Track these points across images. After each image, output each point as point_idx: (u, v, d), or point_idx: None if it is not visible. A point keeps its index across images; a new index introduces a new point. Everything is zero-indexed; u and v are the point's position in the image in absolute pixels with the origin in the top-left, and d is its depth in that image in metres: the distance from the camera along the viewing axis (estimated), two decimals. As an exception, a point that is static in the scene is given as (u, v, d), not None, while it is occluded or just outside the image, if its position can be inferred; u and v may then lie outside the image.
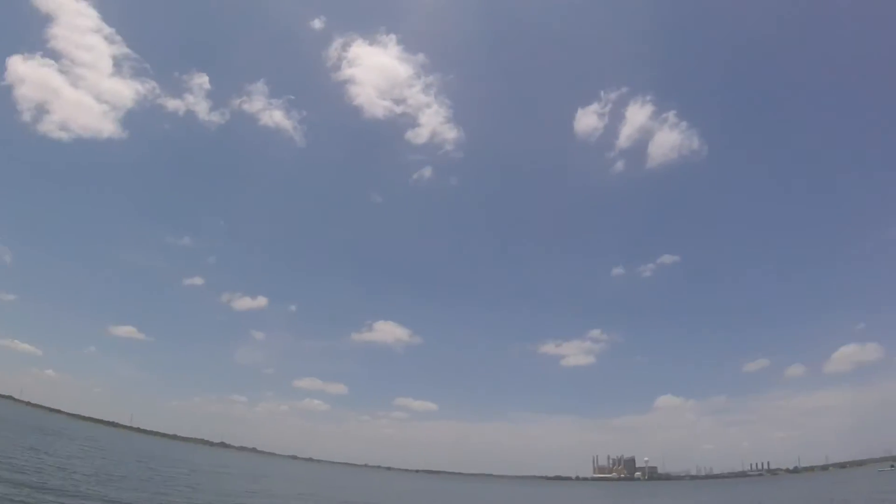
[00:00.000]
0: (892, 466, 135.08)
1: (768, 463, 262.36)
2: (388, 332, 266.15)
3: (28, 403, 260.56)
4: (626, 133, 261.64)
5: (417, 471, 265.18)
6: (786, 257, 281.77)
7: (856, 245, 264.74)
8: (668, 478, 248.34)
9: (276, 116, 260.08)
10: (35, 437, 48.50)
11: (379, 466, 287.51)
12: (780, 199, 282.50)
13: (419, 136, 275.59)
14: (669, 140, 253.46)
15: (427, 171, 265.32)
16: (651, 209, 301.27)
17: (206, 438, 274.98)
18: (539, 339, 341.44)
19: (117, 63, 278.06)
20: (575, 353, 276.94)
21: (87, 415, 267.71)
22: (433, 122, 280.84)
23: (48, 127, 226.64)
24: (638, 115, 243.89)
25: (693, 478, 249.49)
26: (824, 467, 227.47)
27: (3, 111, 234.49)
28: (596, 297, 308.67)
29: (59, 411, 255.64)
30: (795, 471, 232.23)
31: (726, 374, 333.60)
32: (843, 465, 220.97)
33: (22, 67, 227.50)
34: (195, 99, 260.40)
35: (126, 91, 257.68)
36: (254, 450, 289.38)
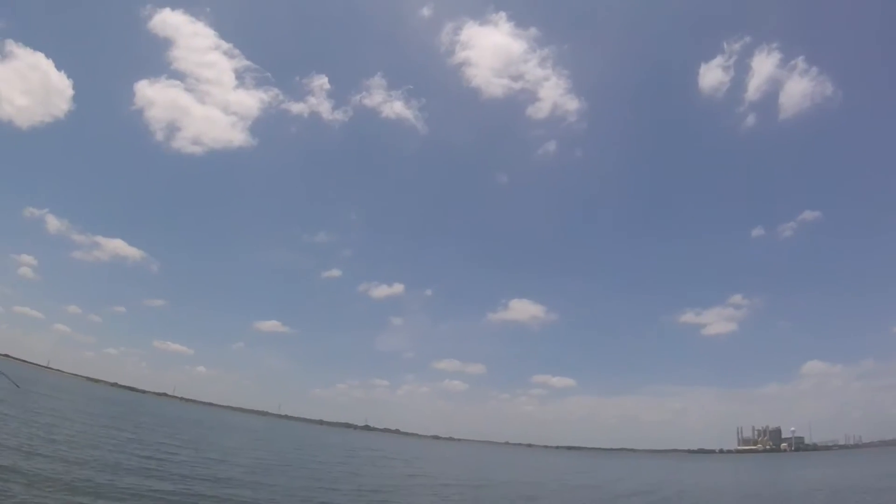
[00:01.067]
0: None
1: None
2: (522, 309, 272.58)
3: (182, 399, 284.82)
4: (755, 85, 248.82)
5: (557, 447, 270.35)
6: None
7: None
8: (815, 448, 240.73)
9: (396, 107, 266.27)
10: (196, 430, 52.73)
11: (519, 444, 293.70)
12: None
13: (540, 110, 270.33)
14: (801, 88, 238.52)
15: (551, 146, 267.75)
16: (787, 164, 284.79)
17: (350, 422, 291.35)
18: (678, 308, 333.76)
19: (239, 76, 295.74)
20: (715, 321, 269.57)
21: (237, 406, 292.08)
22: (553, 94, 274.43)
23: (181, 143, 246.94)
24: (765, 64, 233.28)
25: (842, 447, 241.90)
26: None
27: (136, 133, 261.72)
28: (735, 261, 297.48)
29: (211, 404, 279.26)
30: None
31: (874, 336, 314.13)
32: None
33: (149, 91, 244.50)
34: (317, 100, 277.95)
35: (251, 101, 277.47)
36: (397, 431, 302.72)
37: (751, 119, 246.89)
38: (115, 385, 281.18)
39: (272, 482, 22.66)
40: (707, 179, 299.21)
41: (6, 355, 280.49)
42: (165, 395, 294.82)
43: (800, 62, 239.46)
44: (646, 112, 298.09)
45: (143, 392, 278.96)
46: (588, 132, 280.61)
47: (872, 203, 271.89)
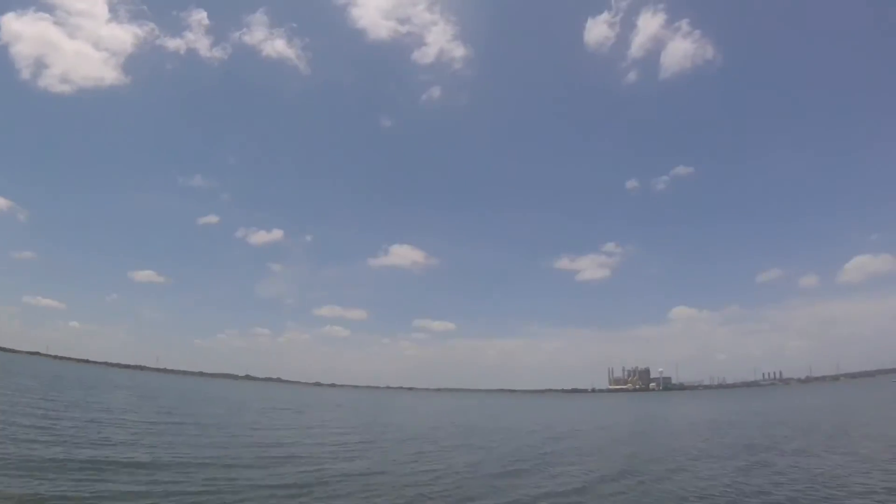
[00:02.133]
0: None
1: (780, 372, 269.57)
2: (403, 255, 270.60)
3: (56, 357, 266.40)
4: (638, 42, 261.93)
5: (438, 389, 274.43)
6: (797, 168, 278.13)
7: (867, 154, 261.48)
8: (681, 388, 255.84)
9: (278, 46, 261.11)
10: (76, 391, 46.93)
11: (401, 387, 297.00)
12: (795, 110, 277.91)
13: (426, 55, 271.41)
14: (683, 49, 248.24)
15: (436, 91, 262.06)
16: (664, 120, 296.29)
17: (231, 373, 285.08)
18: (554, 254, 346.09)
19: (113, 8, 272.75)
20: (590, 267, 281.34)
21: (115, 361, 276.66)
22: (440, 40, 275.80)
23: (49, 81, 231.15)
24: (650, 23, 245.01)
25: (707, 387, 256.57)
26: (835, 377, 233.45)
27: (1, 71, 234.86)
28: (610, 211, 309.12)
29: (87, 361, 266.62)
30: (807, 380, 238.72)
31: (740, 285, 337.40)
32: (853, 376, 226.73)
33: (16, 25, 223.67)
34: (195, 36, 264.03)
35: (125, 35, 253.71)
36: (279, 380, 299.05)
37: (632, 76, 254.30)
38: None
39: (166, 440, 21.22)
40: (587, 131, 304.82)
41: None
42: (38, 353, 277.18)
43: (684, 24, 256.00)
44: (531, 62, 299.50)
45: (15, 352, 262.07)
46: (474, 79, 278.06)
47: (741, 161, 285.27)
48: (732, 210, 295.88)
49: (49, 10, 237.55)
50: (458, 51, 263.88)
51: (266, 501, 13.15)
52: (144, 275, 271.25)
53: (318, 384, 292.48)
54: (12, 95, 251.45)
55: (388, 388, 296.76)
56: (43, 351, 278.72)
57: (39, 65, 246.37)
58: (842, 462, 19.36)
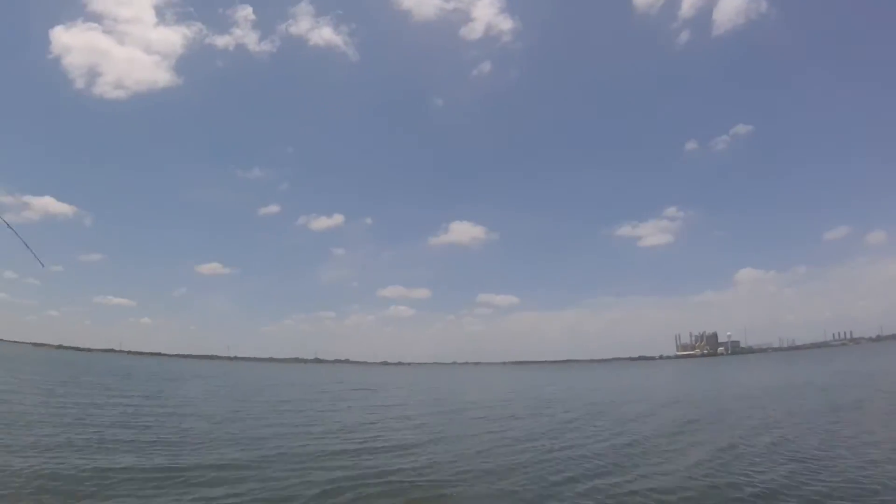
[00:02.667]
0: None
1: (851, 332, 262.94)
2: (463, 231, 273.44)
3: (129, 352, 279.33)
4: (689, 2, 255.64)
5: (504, 363, 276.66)
6: (860, 120, 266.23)
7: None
8: (750, 351, 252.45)
9: (325, 34, 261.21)
10: (153, 384, 46.96)
11: (467, 363, 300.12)
12: (855, 58, 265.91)
13: (474, 31, 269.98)
14: (735, 5, 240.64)
15: (486, 67, 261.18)
16: (720, 79, 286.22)
17: (300, 357, 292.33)
18: (615, 222, 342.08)
19: (160, 12, 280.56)
20: (652, 233, 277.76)
21: (186, 353, 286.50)
22: (487, 14, 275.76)
23: (103, 89, 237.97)
24: None
25: (776, 350, 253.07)
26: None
27: (55, 83, 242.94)
28: (670, 174, 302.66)
29: (160, 354, 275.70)
30: (878, 339, 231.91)
31: (806, 244, 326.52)
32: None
33: (65, 37, 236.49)
34: (242, 32, 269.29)
35: (174, 37, 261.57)
36: (347, 361, 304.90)
37: (684, 35, 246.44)
38: (59, 347, 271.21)
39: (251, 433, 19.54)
40: (642, 95, 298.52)
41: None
42: (112, 350, 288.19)
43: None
44: (581, 30, 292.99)
45: (89, 350, 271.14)
46: (523, 52, 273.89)
47: (803, 116, 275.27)
48: (795, 167, 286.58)
49: (97, 19, 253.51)
50: (506, 24, 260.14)
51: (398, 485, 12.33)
52: (210, 267, 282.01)
53: (385, 363, 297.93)
54: (68, 105, 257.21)
55: (455, 363, 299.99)
56: (116, 347, 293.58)
57: (93, 73, 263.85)
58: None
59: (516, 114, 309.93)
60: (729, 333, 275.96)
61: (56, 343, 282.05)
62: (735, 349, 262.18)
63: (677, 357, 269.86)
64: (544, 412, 29.04)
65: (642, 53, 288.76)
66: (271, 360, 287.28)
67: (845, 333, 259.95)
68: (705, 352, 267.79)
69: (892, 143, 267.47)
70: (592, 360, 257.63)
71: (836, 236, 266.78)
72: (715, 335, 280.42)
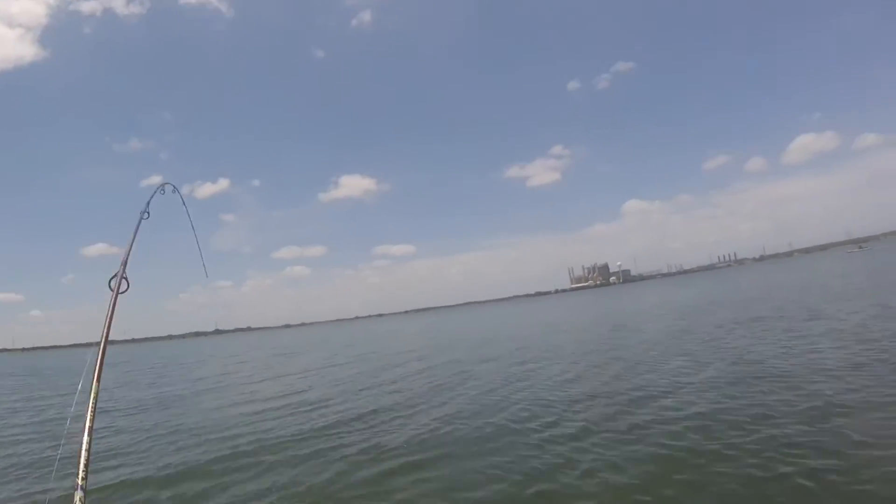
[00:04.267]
0: (861, 247, 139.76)
1: (735, 254, 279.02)
2: (354, 185, 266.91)
3: (23, 350, 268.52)
4: None
5: (407, 311, 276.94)
6: (736, 49, 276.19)
7: (808, 33, 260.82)
8: (641, 279, 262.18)
9: None
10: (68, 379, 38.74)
11: (370, 315, 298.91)
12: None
13: None
14: None
15: (366, 15, 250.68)
16: (601, 16, 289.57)
17: (199, 330, 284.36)
18: (503, 164, 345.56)
19: None
20: (540, 172, 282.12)
21: (83, 341, 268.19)
22: None
23: None
24: None
25: (665, 276, 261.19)
26: (789, 254, 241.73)
27: None
28: (554, 114, 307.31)
29: (57, 346, 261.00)
30: (761, 259, 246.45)
31: (688, 174, 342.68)
32: (807, 251, 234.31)
33: None
34: None
35: (37, 8, 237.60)
36: (248, 328, 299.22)
37: None
38: None
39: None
40: (521, 36, 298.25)
41: None
42: (6, 350, 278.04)
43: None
44: None
45: None
46: None
47: (681, 53, 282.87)
48: (676, 102, 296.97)
49: None
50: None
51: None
52: (97, 248, 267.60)
53: (287, 326, 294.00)
54: None
55: (358, 318, 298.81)
56: (10, 346, 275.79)
57: None
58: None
59: (399, 64, 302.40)
60: (619, 263, 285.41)
61: None
62: (626, 278, 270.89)
63: (572, 289, 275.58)
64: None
65: None
66: (170, 336, 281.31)
67: (730, 256, 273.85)
68: (598, 282, 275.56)
69: (767, 77, 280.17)
70: (492, 300, 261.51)
71: (716, 165, 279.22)
72: (606, 266, 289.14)
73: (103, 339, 3.07)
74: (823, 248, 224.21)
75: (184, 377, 30.72)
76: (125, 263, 3.65)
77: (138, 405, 18.84)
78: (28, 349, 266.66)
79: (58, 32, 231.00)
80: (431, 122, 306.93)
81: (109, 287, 3.29)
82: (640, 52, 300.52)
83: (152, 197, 4.94)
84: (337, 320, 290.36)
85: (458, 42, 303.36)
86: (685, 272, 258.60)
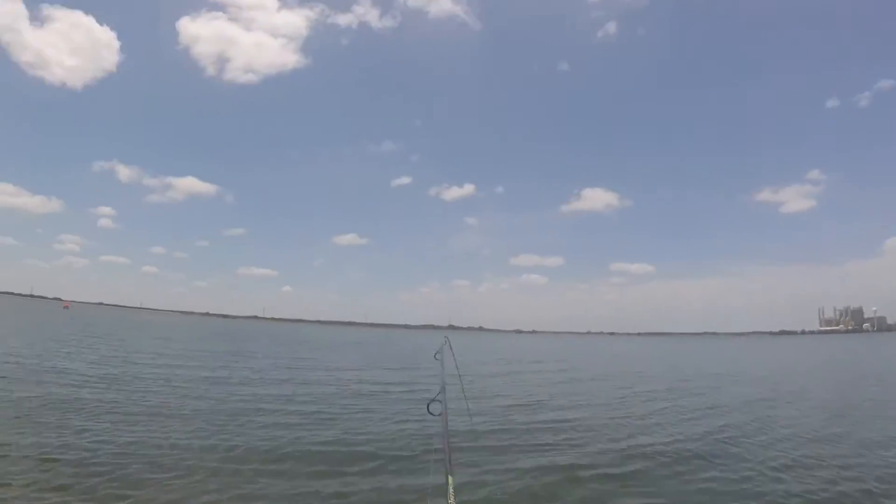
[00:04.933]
0: None
1: None
2: (596, 198, 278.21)
3: (272, 319, 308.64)
4: None
5: (640, 333, 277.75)
6: None
7: None
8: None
9: (444, 5, 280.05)
10: (311, 349, 49.03)
11: (601, 332, 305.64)
12: None
13: None
14: None
15: (611, 27, 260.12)
16: (862, 29, 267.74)
17: (434, 324, 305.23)
18: (754, 187, 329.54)
19: None
20: (794, 198, 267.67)
21: (325, 319, 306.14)
22: None
23: (234, 74, 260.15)
24: None
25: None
26: None
27: (187, 71, 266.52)
28: (811, 135, 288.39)
29: (300, 320, 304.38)
30: None
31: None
32: None
33: (192, 27, 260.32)
34: (363, 9, 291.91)
35: (297, 20, 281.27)
36: (480, 328, 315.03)
37: None
38: (206, 315, 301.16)
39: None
40: (779, 52, 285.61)
41: (100, 303, 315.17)
42: (255, 317, 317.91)
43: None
44: None
45: (235, 318, 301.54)
46: (648, 8, 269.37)
47: None
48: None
49: (220, 8, 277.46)
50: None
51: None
52: (347, 238, 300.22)
53: (518, 331, 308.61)
54: (201, 92, 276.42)
55: (589, 333, 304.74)
56: (259, 314, 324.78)
57: (222, 60, 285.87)
58: None
59: (645, 75, 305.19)
60: (875, 308, 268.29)
61: (203, 311, 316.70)
62: (881, 325, 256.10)
63: (820, 332, 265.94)
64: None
65: (774, 7, 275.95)
66: (406, 326, 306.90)
67: None
68: (849, 327, 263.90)
69: None
70: (731, 333, 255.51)
71: None
72: (860, 309, 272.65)
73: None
74: None
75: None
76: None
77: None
78: (275, 318, 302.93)
79: (317, 42, 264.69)
80: (678, 139, 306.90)
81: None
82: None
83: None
84: (568, 332, 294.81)
85: (704, 52, 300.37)
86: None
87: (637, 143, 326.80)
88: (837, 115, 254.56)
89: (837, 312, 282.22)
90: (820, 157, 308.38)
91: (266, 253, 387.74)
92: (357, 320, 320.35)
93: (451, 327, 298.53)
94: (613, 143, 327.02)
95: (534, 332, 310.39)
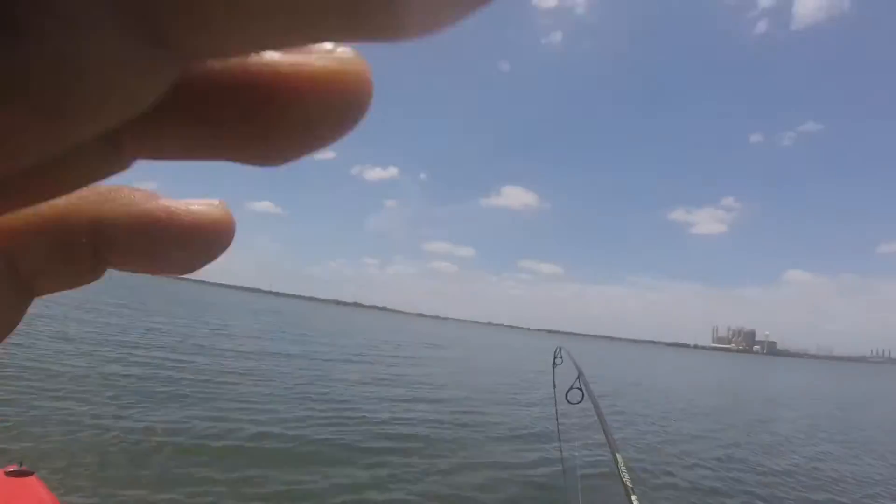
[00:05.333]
0: None
1: (890, 351, 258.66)
2: (515, 196, 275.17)
3: (176, 278, 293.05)
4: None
5: (539, 329, 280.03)
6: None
7: None
8: (786, 354, 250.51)
9: None
10: (237, 314, 44.71)
11: (502, 325, 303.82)
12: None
13: (548, 0, 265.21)
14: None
15: (557, 36, 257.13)
16: (794, 73, 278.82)
17: (340, 299, 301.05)
18: (669, 205, 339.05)
19: None
20: (706, 221, 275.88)
21: (230, 283, 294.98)
22: None
23: None
24: None
25: (812, 356, 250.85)
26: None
27: None
28: (731, 165, 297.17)
29: (203, 282, 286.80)
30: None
31: (860, 253, 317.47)
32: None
33: None
34: None
35: None
36: (384, 308, 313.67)
37: (762, 25, 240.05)
38: None
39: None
40: (712, 81, 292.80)
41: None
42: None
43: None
44: (657, 8, 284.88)
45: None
46: (597, 25, 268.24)
47: (875, 121, 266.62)
48: (862, 173, 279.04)
49: None
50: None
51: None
52: (262, 205, 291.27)
53: (421, 315, 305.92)
54: None
55: (491, 324, 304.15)
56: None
57: None
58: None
59: (582, 88, 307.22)
60: (766, 332, 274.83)
61: None
62: (771, 349, 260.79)
63: (713, 349, 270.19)
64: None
65: (717, 38, 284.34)
66: (312, 298, 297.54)
67: (885, 351, 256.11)
68: (741, 347, 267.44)
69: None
70: (628, 340, 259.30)
71: (892, 250, 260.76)
72: (753, 332, 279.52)
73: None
74: None
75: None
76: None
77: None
78: (179, 278, 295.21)
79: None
80: (604, 151, 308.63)
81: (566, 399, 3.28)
82: (831, 113, 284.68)
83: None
84: (471, 321, 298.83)
85: (643, 73, 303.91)
86: (834, 358, 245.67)
87: (564, 149, 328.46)
88: (760, 150, 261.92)
89: (731, 332, 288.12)
90: (737, 186, 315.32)
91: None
92: (262, 287, 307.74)
93: (357, 304, 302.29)
94: (541, 146, 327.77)
95: (437, 317, 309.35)
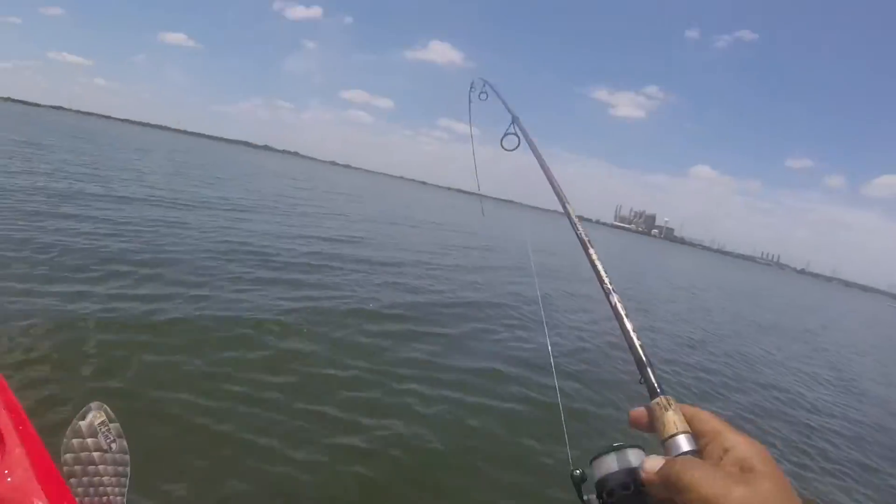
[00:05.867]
0: None
1: (779, 256, 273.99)
2: (441, 52, 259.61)
3: (78, 112, 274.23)
4: None
5: (449, 188, 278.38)
6: (868, 57, 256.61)
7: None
8: (682, 242, 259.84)
9: None
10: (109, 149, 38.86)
11: (413, 180, 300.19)
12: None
13: None
14: None
15: None
16: None
17: (250, 141, 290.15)
18: (593, 83, 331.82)
19: None
20: (626, 105, 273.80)
21: (136, 119, 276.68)
22: None
23: None
24: None
25: (705, 248, 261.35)
26: (829, 279, 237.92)
27: None
28: (662, 54, 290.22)
29: (108, 117, 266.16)
30: (802, 272, 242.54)
31: (768, 163, 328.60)
32: (847, 284, 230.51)
33: None
34: None
35: None
36: (296, 154, 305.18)
37: None
38: (7, 99, 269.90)
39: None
40: None
41: None
42: (61, 108, 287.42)
43: None
44: None
45: (38, 106, 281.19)
46: None
47: (813, 39, 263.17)
48: (785, 90, 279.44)
49: None
50: None
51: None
52: (175, 37, 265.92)
53: (333, 163, 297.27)
54: None
55: (402, 178, 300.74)
56: (66, 105, 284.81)
57: None
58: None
59: None
60: (666, 219, 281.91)
61: (4, 95, 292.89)
62: (668, 235, 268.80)
63: (613, 226, 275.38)
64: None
65: None
66: (220, 139, 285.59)
67: (773, 256, 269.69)
68: (640, 229, 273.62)
69: (879, 95, 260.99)
70: (532, 206, 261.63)
71: (798, 166, 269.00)
72: (653, 217, 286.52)
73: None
74: (864, 289, 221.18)
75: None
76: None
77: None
78: (82, 112, 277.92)
79: None
80: (541, 15, 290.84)
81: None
82: (770, 25, 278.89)
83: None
84: (381, 174, 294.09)
85: None
86: (725, 253, 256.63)
87: (497, 8, 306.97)
88: (693, 47, 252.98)
89: (633, 213, 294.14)
90: (663, 76, 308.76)
91: (83, 39, 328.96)
92: (169, 125, 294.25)
93: (267, 147, 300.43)
94: (474, 2, 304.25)
95: (348, 166, 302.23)
